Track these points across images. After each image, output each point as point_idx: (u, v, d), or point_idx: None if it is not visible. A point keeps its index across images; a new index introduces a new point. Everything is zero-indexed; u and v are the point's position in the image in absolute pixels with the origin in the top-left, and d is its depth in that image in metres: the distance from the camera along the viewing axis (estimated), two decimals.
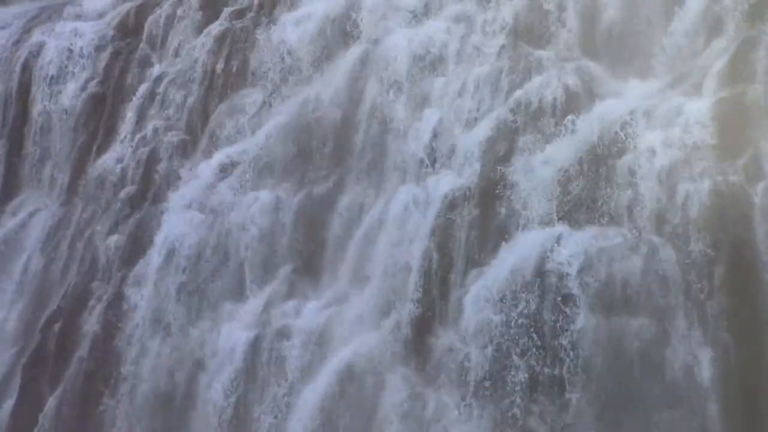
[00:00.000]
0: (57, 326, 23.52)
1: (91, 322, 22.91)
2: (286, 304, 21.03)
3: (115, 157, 25.11)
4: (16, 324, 24.88)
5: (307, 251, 21.50)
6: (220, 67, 24.55)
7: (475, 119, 20.57)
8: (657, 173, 17.99)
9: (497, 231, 19.02)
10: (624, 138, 18.51)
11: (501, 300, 18.20)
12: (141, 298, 22.32)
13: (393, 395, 19.00)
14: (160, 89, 25.33)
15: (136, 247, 23.15)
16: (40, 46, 27.52)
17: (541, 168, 19.00)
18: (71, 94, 26.74)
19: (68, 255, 24.68)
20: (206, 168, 22.95)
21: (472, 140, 20.25)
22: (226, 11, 25.49)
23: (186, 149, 24.20)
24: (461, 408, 18.24)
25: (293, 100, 22.97)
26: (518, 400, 17.79)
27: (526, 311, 17.98)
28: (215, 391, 20.68)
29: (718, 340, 17.08)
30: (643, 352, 17.38)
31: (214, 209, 22.34)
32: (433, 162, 20.62)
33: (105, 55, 26.79)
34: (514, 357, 17.93)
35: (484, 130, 20.21)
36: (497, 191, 19.32)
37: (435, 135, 20.75)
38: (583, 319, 17.67)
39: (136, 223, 23.61)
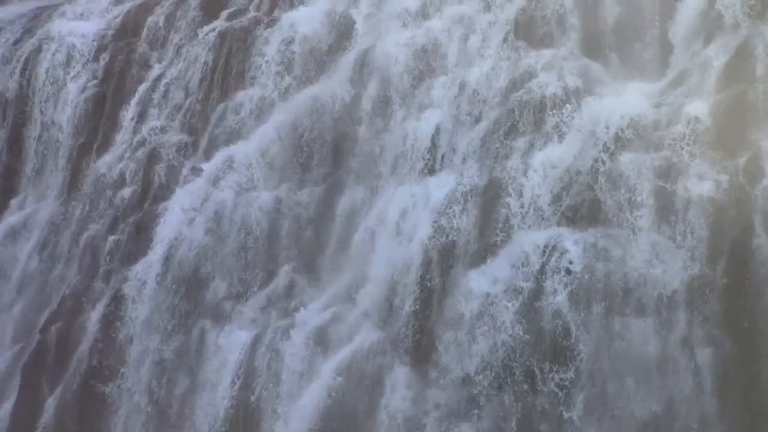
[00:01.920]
0: (57, 326, 23.50)
1: (91, 322, 22.90)
2: (286, 304, 21.03)
3: (115, 157, 25.09)
4: (16, 324, 24.87)
5: (307, 251, 21.50)
6: (220, 67, 24.54)
7: (475, 119, 20.57)
8: (657, 173, 17.99)
9: (497, 231, 19.01)
10: (624, 138, 18.52)
11: (500, 300, 18.21)
12: (141, 298, 22.31)
13: (393, 395, 19.00)
14: (160, 89, 25.32)
15: (136, 247, 23.14)
16: (40, 46, 27.50)
17: (541, 168, 19.00)
18: (71, 94, 26.72)
19: (68, 255, 24.67)
20: (206, 168, 22.94)
21: (472, 140, 20.26)
22: (226, 11, 25.50)
23: (186, 149, 24.20)
24: (462, 408, 18.25)
25: (293, 100, 22.97)
26: (519, 399, 17.81)
27: (525, 311, 17.99)
28: (215, 391, 20.68)
29: (718, 340, 17.08)
30: (642, 352, 17.38)
31: (213, 209, 22.32)
32: (433, 162, 20.62)
33: (105, 55, 26.77)
34: (515, 357, 17.94)
35: (484, 130, 20.22)
36: (497, 191, 19.32)
37: (435, 135, 20.74)
38: (582, 319, 17.68)
39: (136, 223, 23.60)
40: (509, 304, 18.07)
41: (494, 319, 18.12)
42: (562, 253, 18.01)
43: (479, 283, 18.48)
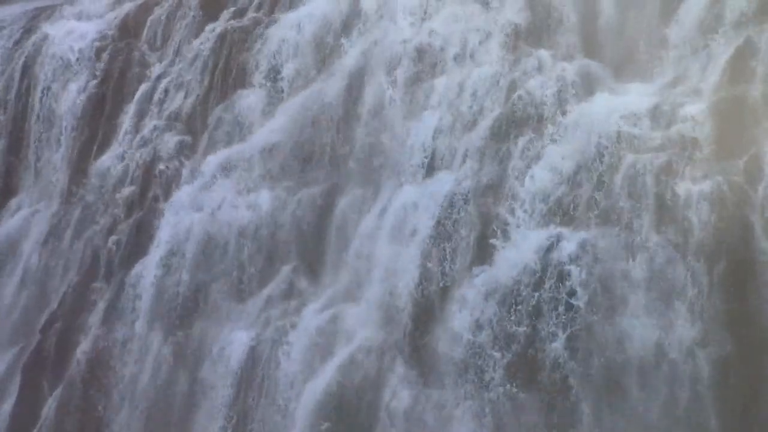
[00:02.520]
0: (57, 326, 23.51)
1: (91, 322, 22.90)
2: (286, 304, 21.03)
3: (115, 157, 25.08)
4: (16, 324, 24.87)
5: (307, 251, 21.50)
6: (220, 67, 24.54)
7: (475, 120, 20.57)
8: (657, 173, 18.00)
9: (497, 231, 19.02)
10: (624, 138, 18.53)
11: (501, 300, 18.22)
12: (141, 298, 22.32)
13: (393, 395, 19.00)
14: (160, 89, 25.31)
15: (136, 247, 23.14)
16: (40, 46, 27.48)
17: (540, 168, 19.01)
18: (71, 94, 26.70)
19: (68, 255, 24.66)
20: (206, 168, 22.94)
21: (471, 141, 20.25)
22: (226, 11, 25.47)
23: (186, 149, 24.18)
24: (461, 407, 18.26)
25: (293, 100, 22.96)
26: (518, 399, 17.83)
27: (525, 311, 17.99)
28: (216, 390, 20.69)
29: (718, 340, 17.10)
30: (642, 352, 17.40)
31: (213, 209, 22.32)
32: (433, 162, 20.62)
33: (105, 55, 26.75)
34: (514, 356, 17.95)
35: (483, 130, 20.22)
36: (497, 191, 19.33)
37: (435, 135, 20.74)
38: (582, 319, 17.69)
39: (136, 223, 23.60)
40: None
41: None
42: (560, 253, 18.04)
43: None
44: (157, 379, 21.53)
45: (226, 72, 24.37)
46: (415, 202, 20.05)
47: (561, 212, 18.56)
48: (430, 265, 19.33)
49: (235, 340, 20.77)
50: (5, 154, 27.31)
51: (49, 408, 22.61)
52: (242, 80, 24.01)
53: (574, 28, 21.03)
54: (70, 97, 26.65)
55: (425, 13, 22.49)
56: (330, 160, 22.10)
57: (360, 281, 20.34)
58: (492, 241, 18.95)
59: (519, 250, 18.38)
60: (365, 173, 21.56)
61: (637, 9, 20.59)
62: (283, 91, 23.35)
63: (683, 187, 17.71)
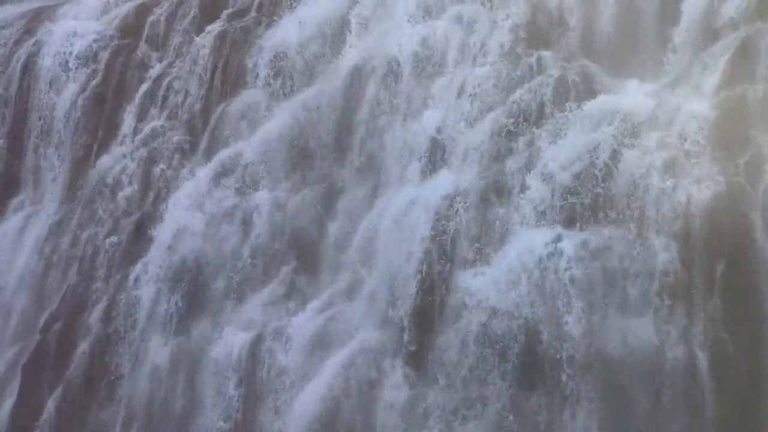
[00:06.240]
0: (57, 326, 23.51)
1: (91, 322, 22.91)
2: (286, 305, 21.04)
3: (115, 158, 25.09)
4: (16, 324, 24.87)
5: (306, 251, 21.51)
6: (220, 67, 24.55)
7: (475, 119, 20.58)
8: (657, 173, 18.01)
9: (496, 231, 19.03)
10: (624, 138, 18.53)
11: (501, 300, 18.22)
12: (141, 299, 22.33)
13: (393, 395, 19.01)
14: (160, 89, 25.31)
15: (136, 247, 23.15)
16: (40, 46, 27.47)
17: (540, 168, 19.01)
18: (71, 94, 26.70)
19: (68, 255, 24.66)
20: (206, 168, 22.95)
21: (471, 140, 20.27)
22: (226, 11, 25.49)
23: (186, 150, 24.20)
24: (461, 408, 18.26)
25: (293, 100, 22.98)
26: (519, 399, 17.83)
27: (525, 311, 17.99)
28: (215, 391, 20.69)
29: (718, 339, 17.11)
30: (642, 352, 17.40)
31: (213, 209, 22.33)
32: (433, 162, 20.62)
33: (105, 55, 26.74)
34: (514, 356, 17.95)
35: (483, 130, 20.23)
36: (497, 191, 19.33)
37: (435, 135, 20.75)
38: (582, 319, 17.69)
39: (135, 223, 23.62)
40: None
41: None
42: (560, 253, 18.04)
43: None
44: (157, 378, 21.54)
45: (226, 72, 24.38)
46: (415, 201, 20.05)
47: (561, 212, 18.56)
48: (429, 265, 19.32)
49: (234, 341, 20.77)
50: (5, 154, 27.31)
51: (49, 408, 22.63)
52: (242, 80, 24.03)
53: (574, 29, 21.02)
54: (70, 98, 26.65)
55: (426, 12, 22.49)
56: (330, 160, 22.11)
57: (359, 281, 20.36)
58: (492, 241, 18.95)
59: (519, 250, 18.37)
60: (365, 173, 21.57)
61: (637, 9, 20.59)
62: (283, 91, 23.36)
63: (683, 187, 17.72)
